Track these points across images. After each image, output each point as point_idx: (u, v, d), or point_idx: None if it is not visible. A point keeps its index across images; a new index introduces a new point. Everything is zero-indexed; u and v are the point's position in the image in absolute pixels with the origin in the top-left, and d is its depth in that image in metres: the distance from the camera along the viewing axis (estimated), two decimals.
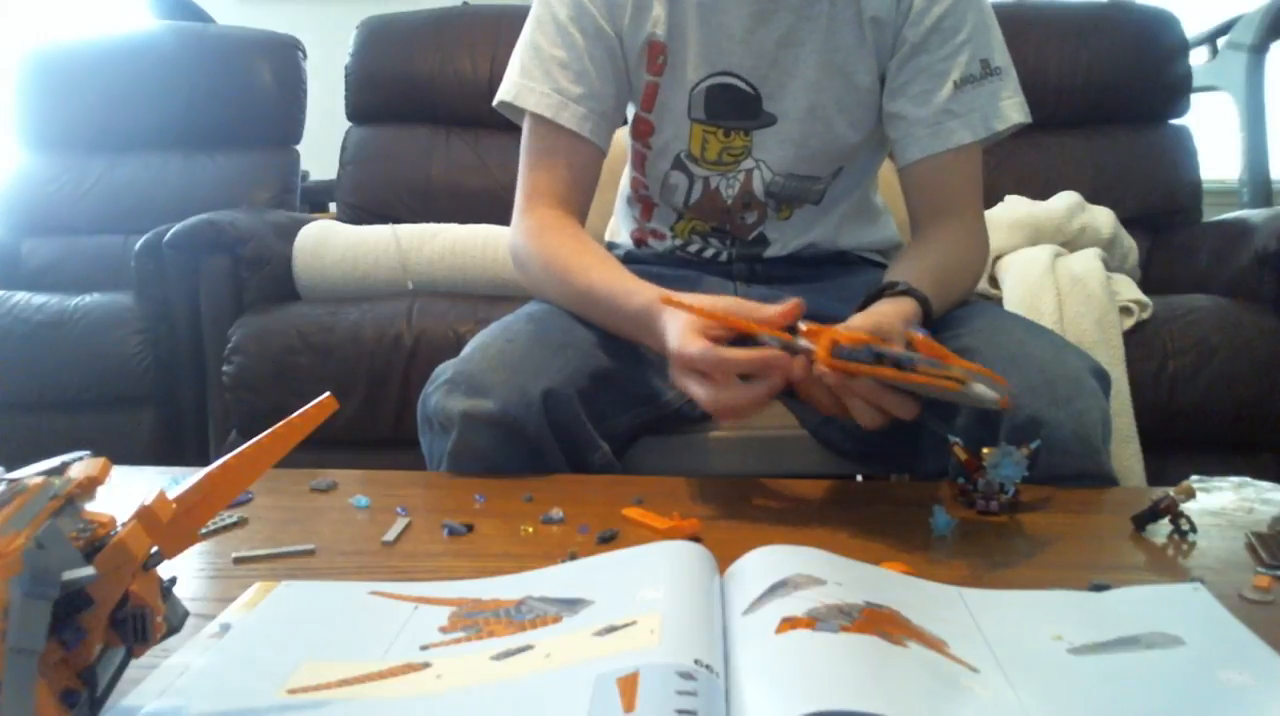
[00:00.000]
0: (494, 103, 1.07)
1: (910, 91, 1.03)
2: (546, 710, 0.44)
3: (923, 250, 1.01)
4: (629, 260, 1.23)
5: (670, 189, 1.13)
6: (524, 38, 1.06)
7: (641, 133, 1.11)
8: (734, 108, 1.06)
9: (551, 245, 1.01)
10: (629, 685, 0.43)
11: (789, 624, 0.49)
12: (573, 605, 0.56)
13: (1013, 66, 1.05)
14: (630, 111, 1.12)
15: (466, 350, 0.95)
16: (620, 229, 1.26)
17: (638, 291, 0.91)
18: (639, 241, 1.21)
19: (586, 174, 1.06)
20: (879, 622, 0.50)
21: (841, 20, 1.03)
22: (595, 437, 0.94)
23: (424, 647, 0.53)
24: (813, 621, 0.49)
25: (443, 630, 0.55)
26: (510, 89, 1.05)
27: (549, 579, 0.62)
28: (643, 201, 1.16)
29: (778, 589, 0.54)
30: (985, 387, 0.69)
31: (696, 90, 1.05)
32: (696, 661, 0.45)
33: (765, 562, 0.59)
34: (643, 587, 0.56)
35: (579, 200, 1.06)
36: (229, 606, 0.59)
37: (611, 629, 0.51)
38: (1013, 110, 1.03)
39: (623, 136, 1.16)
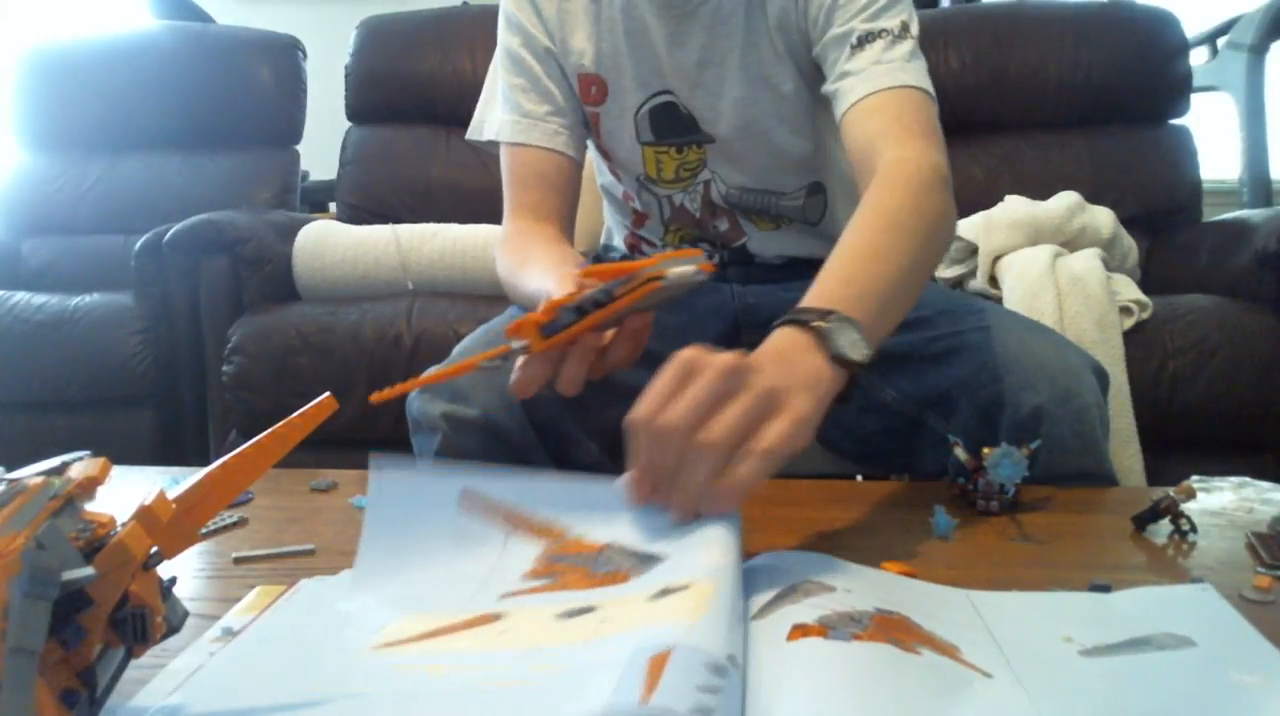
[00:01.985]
0: (466, 137, 1.09)
1: (827, 65, 0.97)
2: (575, 690, 0.44)
3: (843, 239, 0.80)
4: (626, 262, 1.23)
5: (646, 205, 1.14)
6: (489, 79, 1.08)
7: (606, 157, 1.12)
8: (677, 126, 1.05)
9: (513, 253, 1.01)
10: (656, 667, 0.42)
11: (800, 631, 0.49)
12: (647, 561, 0.57)
13: (915, 42, 0.95)
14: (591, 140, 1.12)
15: (451, 355, 0.95)
16: (614, 233, 1.27)
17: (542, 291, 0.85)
18: (632, 247, 1.21)
19: (565, 185, 1.07)
20: (890, 630, 0.50)
21: (757, 34, 1.00)
22: (579, 437, 0.94)
23: (503, 596, 0.56)
24: (824, 630, 0.48)
25: (525, 576, 0.58)
26: (477, 126, 1.06)
27: (635, 526, 0.60)
28: (634, 213, 1.17)
29: (787, 595, 0.54)
30: (680, 266, 0.67)
31: (640, 114, 1.05)
32: (730, 657, 0.44)
33: (773, 567, 0.59)
34: (707, 548, 0.55)
35: (560, 210, 1.06)
36: (230, 609, 0.59)
37: (666, 591, 0.51)
38: (908, 73, 0.92)
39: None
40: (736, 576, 0.54)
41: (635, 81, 1.04)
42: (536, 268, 0.93)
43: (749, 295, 1.13)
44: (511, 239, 1.04)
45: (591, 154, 1.17)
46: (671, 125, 1.05)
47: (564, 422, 0.92)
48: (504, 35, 1.07)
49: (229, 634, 0.55)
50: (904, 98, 0.91)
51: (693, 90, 1.03)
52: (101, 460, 0.46)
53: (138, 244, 2.02)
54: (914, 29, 0.95)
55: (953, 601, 0.60)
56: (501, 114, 1.07)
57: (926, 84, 0.93)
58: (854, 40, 0.93)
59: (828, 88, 0.97)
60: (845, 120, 0.93)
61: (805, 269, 1.14)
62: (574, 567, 0.58)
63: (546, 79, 1.05)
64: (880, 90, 0.91)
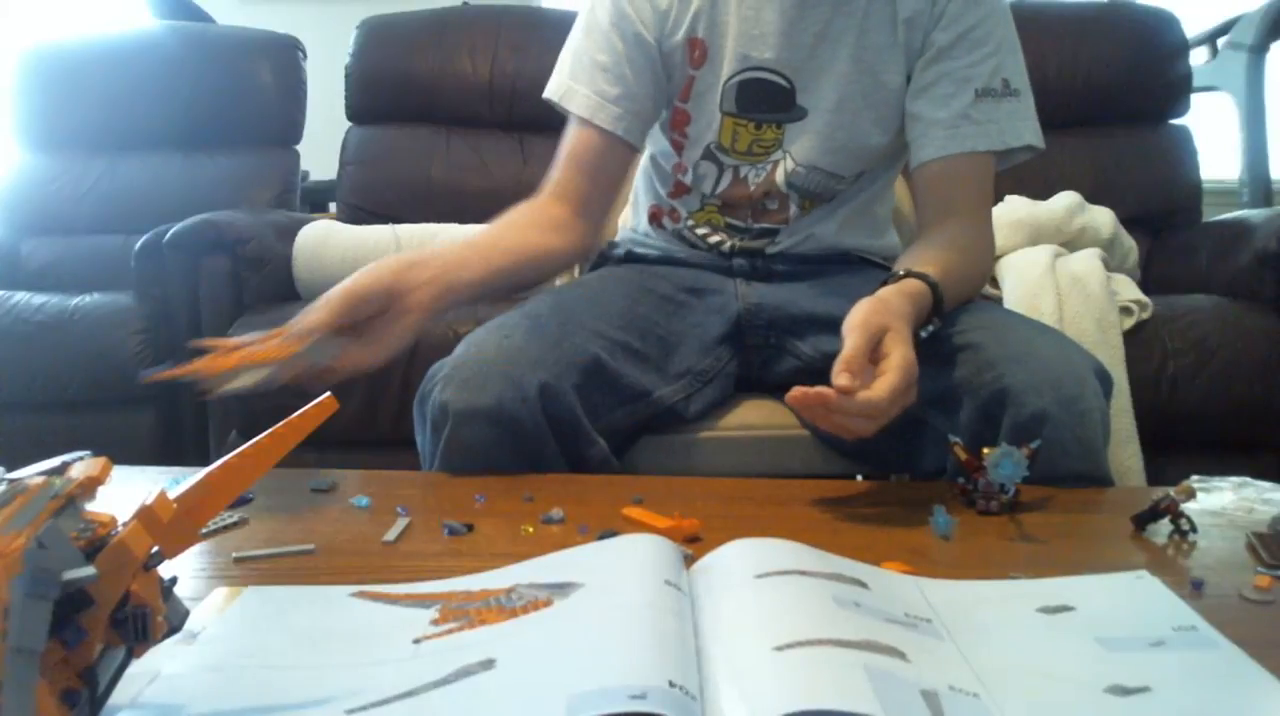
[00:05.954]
0: (543, 95, 1.12)
1: (932, 94, 1.05)
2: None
3: (930, 244, 1.02)
4: (630, 259, 1.23)
5: (700, 178, 1.15)
6: (573, 40, 1.12)
7: (679, 123, 1.13)
8: (766, 101, 1.08)
9: (507, 214, 1.08)
10: None
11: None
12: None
13: (1031, 95, 1.06)
14: (668, 104, 1.13)
15: (461, 346, 0.95)
16: (637, 210, 1.27)
17: (414, 252, 0.95)
18: (654, 217, 1.22)
19: (614, 170, 1.11)
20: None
21: (876, 19, 1.05)
22: (592, 433, 0.94)
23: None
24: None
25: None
26: (559, 88, 1.11)
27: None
28: (677, 184, 1.18)
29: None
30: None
31: (729, 84, 1.08)
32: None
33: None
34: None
35: (598, 196, 1.11)
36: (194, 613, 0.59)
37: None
38: (1028, 132, 1.05)
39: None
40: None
41: (733, 52, 1.06)
42: (479, 241, 1.05)
43: (752, 295, 1.14)
44: (523, 206, 1.09)
45: None
46: (758, 100, 1.08)
47: (578, 420, 0.93)
48: (597, 6, 1.09)
49: (190, 637, 0.55)
50: (990, 164, 1.06)
51: (805, 62, 1.06)
52: (102, 460, 0.46)
53: (138, 244, 2.01)
54: (1015, 82, 1.05)
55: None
56: (576, 83, 1.09)
57: (1018, 141, 1.04)
58: (979, 88, 1.03)
59: (938, 115, 1.04)
60: (953, 160, 1.04)
61: (804, 271, 1.15)
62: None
63: (627, 64, 1.07)
64: (985, 152, 1.04)
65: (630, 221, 1.28)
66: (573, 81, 1.09)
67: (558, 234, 1.08)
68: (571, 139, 1.10)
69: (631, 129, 1.09)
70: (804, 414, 0.79)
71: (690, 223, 1.19)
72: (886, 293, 0.88)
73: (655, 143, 1.20)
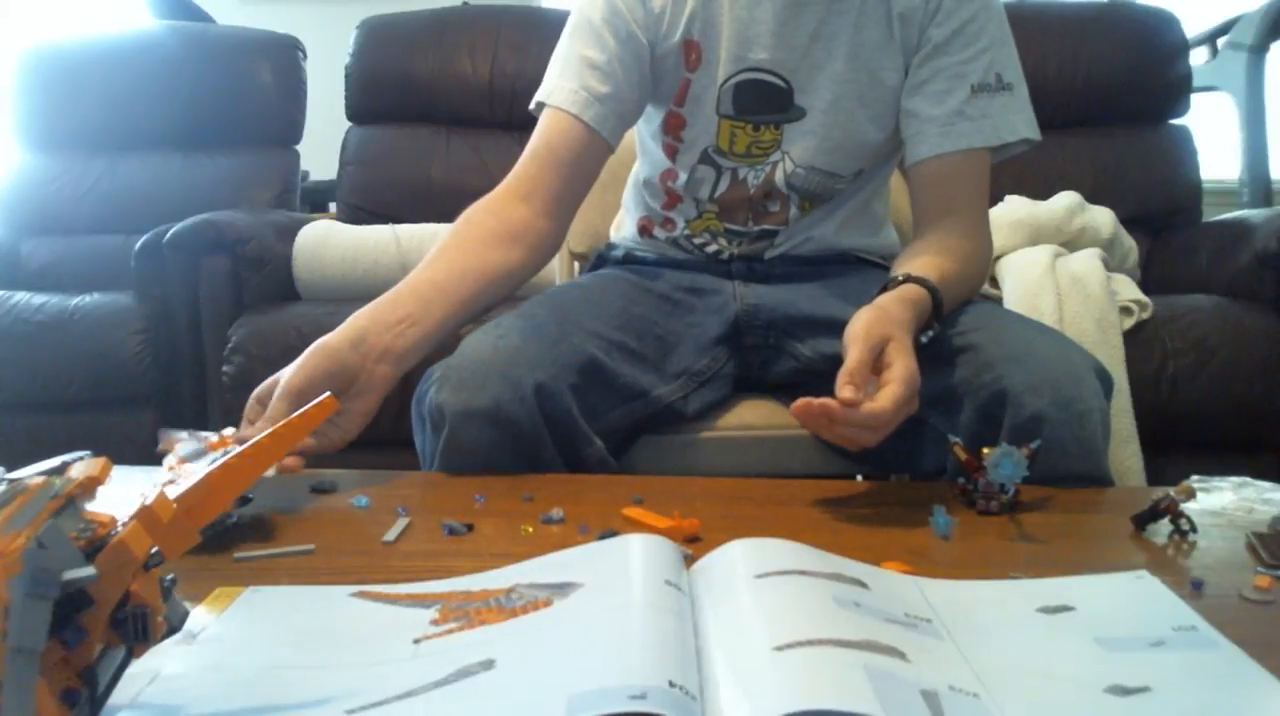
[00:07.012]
0: (530, 106, 1.10)
1: (927, 90, 1.05)
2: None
3: (928, 245, 1.02)
4: (629, 261, 1.23)
5: (696, 183, 1.14)
6: (561, 45, 1.10)
7: (673, 128, 1.12)
8: (764, 102, 1.07)
9: (464, 225, 1.03)
10: None
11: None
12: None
13: (1025, 86, 1.06)
14: (661, 109, 1.13)
15: (459, 348, 0.95)
16: (626, 220, 1.27)
17: (368, 313, 0.95)
18: (644, 229, 1.21)
19: (591, 168, 1.09)
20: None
21: (871, 16, 1.04)
22: (589, 433, 0.94)
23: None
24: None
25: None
26: (545, 91, 1.08)
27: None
28: (669, 193, 1.17)
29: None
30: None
31: (725, 86, 1.07)
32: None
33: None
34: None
35: (569, 195, 1.08)
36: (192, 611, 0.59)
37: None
38: (1023, 125, 1.05)
39: (632, 133, 1.17)
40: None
41: (728, 54, 1.06)
42: (430, 266, 0.99)
43: (750, 296, 1.13)
44: (484, 210, 1.04)
45: (631, 133, 1.17)
46: (756, 102, 1.07)
47: (574, 420, 0.93)
48: (587, 7, 1.08)
49: (190, 637, 0.55)
50: (987, 161, 1.07)
51: (800, 61, 1.05)
52: (102, 460, 0.46)
53: (138, 244, 2.02)
54: (1009, 75, 1.05)
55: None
56: (560, 79, 1.07)
57: (1014, 136, 1.04)
58: (974, 84, 1.03)
59: (934, 112, 1.03)
60: (948, 158, 1.04)
61: (802, 273, 1.15)
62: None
63: (618, 62, 1.06)
64: (981, 148, 1.04)
65: (624, 229, 1.27)
66: (561, 80, 1.07)
67: (516, 246, 1.03)
68: (548, 133, 1.06)
69: (615, 129, 1.07)
70: (808, 425, 0.79)
71: (687, 232, 1.18)
72: (886, 301, 0.87)
73: (645, 154, 1.19)
